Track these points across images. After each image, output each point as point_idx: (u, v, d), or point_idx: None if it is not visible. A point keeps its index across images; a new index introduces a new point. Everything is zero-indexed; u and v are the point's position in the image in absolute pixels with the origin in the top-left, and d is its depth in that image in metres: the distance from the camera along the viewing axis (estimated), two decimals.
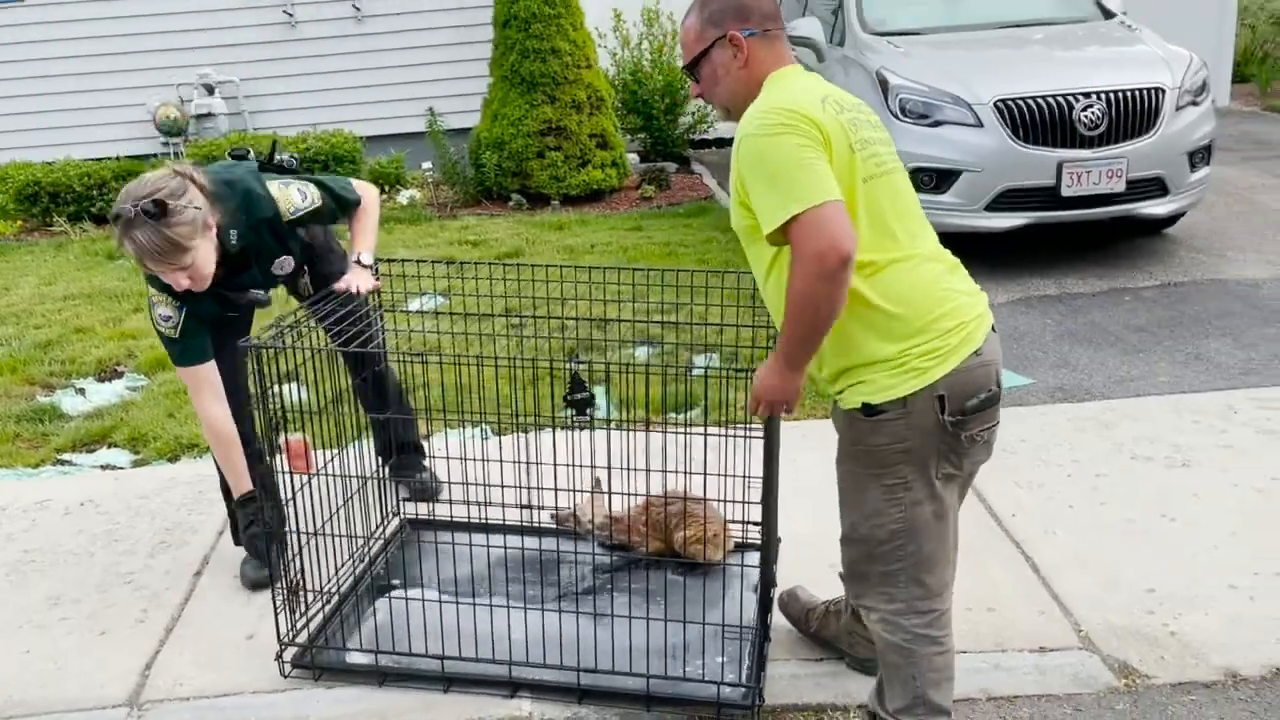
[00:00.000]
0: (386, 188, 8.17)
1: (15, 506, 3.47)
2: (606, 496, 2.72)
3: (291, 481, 2.41)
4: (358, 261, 2.83)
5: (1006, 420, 3.74)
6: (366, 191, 2.93)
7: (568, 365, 2.38)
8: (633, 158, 8.42)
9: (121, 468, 3.84)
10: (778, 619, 2.57)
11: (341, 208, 2.84)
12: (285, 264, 2.80)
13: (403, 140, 8.54)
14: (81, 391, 4.55)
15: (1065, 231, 5.88)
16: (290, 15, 8.51)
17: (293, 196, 2.70)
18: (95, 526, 3.30)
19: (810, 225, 1.74)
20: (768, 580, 2.46)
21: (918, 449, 1.92)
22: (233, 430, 2.71)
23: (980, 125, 5.18)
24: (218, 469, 2.86)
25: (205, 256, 2.46)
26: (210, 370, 2.71)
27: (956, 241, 5.57)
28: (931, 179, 5.28)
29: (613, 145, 7.69)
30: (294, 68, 8.61)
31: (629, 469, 2.62)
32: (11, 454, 3.95)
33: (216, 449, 2.77)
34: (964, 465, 1.98)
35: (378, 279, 2.86)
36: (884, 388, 1.90)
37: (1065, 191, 5.14)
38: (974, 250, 5.72)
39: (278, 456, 2.45)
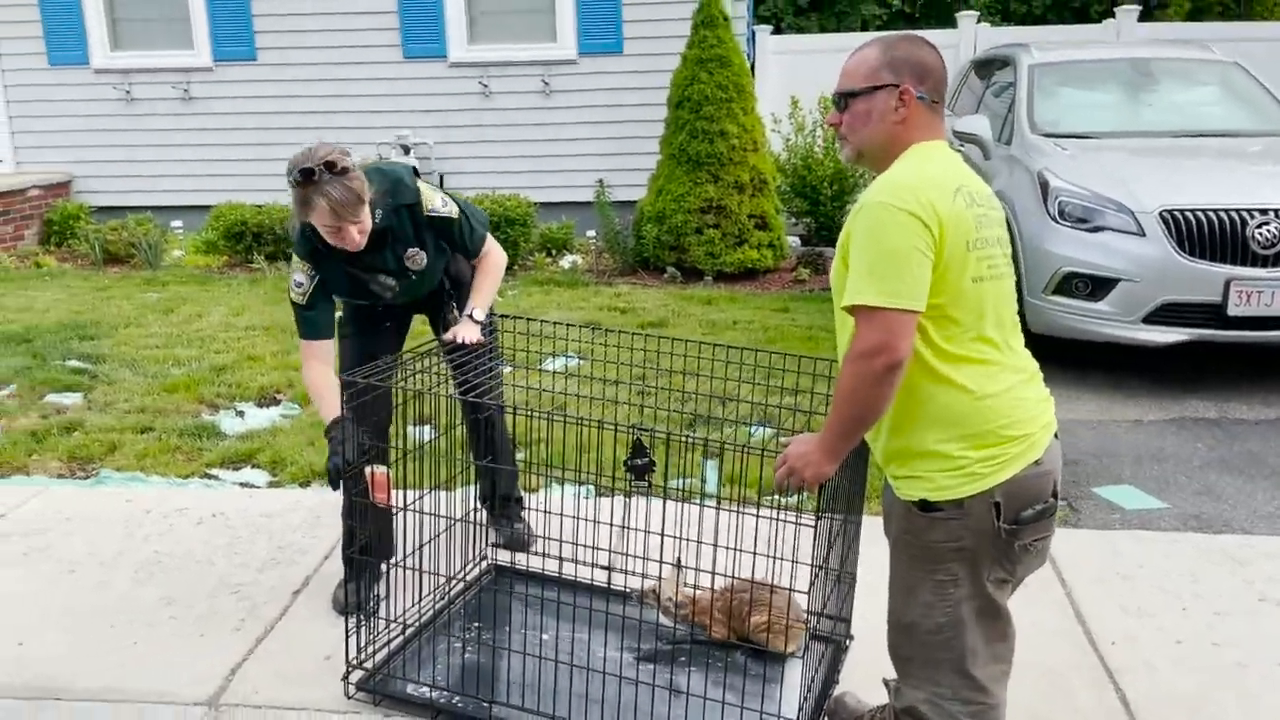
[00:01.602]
0: (553, 252, 8.53)
1: (158, 511, 3.80)
2: (686, 574, 2.71)
3: (375, 512, 2.56)
4: (470, 315, 3.00)
5: (1127, 543, 3.53)
6: (495, 250, 3.13)
7: (631, 431, 2.44)
8: (795, 240, 8.47)
9: (258, 487, 4.14)
10: None
11: (470, 236, 3.04)
12: (418, 258, 2.97)
13: (571, 209, 8.92)
14: (241, 414, 4.95)
15: (1234, 352, 5.51)
16: (485, 86, 9.10)
17: (435, 198, 2.96)
18: (220, 538, 3.58)
19: (878, 321, 1.76)
20: (826, 679, 2.42)
21: (971, 550, 1.89)
22: (329, 382, 2.84)
23: (1143, 234, 4.96)
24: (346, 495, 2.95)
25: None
26: (326, 348, 2.94)
27: (1110, 352, 5.41)
28: (1086, 286, 5.08)
29: (771, 227, 7.78)
30: (482, 134, 9.18)
31: (715, 545, 2.64)
32: (168, 464, 4.34)
33: (312, 395, 2.95)
34: (1016, 571, 1.94)
35: (487, 335, 3.02)
36: (942, 487, 1.89)
37: (1232, 310, 4.83)
38: (1130, 363, 5.46)
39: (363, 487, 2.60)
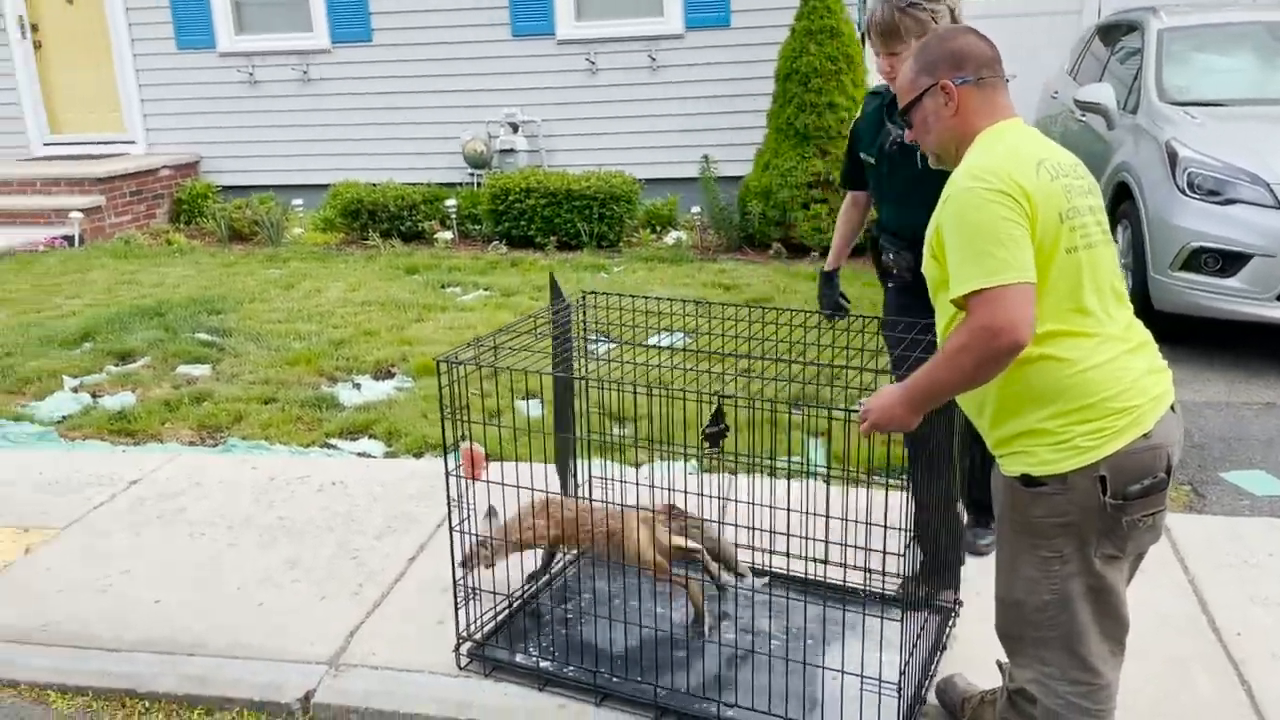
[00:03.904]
0: (658, 228, 8.54)
1: (282, 478, 3.98)
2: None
3: (466, 486, 2.63)
4: None
5: (1259, 530, 3.38)
6: None
7: (712, 398, 2.44)
8: None
9: (374, 457, 4.29)
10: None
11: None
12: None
13: (676, 185, 8.90)
14: (358, 386, 5.13)
15: None
16: (593, 63, 9.13)
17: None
18: (339, 505, 3.73)
19: (993, 302, 1.75)
20: (932, 647, 2.40)
21: (1077, 525, 1.86)
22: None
23: (1278, 207, 4.69)
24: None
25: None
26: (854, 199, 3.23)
27: (1239, 331, 5.15)
28: (1216, 261, 4.84)
29: None
30: (589, 111, 9.22)
31: (808, 514, 2.64)
32: (291, 433, 4.53)
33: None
34: (1126, 548, 1.89)
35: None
36: (1045, 461, 1.86)
37: None
38: (1261, 344, 5.19)
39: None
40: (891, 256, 3.02)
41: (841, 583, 2.72)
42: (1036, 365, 1.84)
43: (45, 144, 10.27)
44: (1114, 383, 1.84)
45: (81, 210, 8.62)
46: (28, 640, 2.91)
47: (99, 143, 10.14)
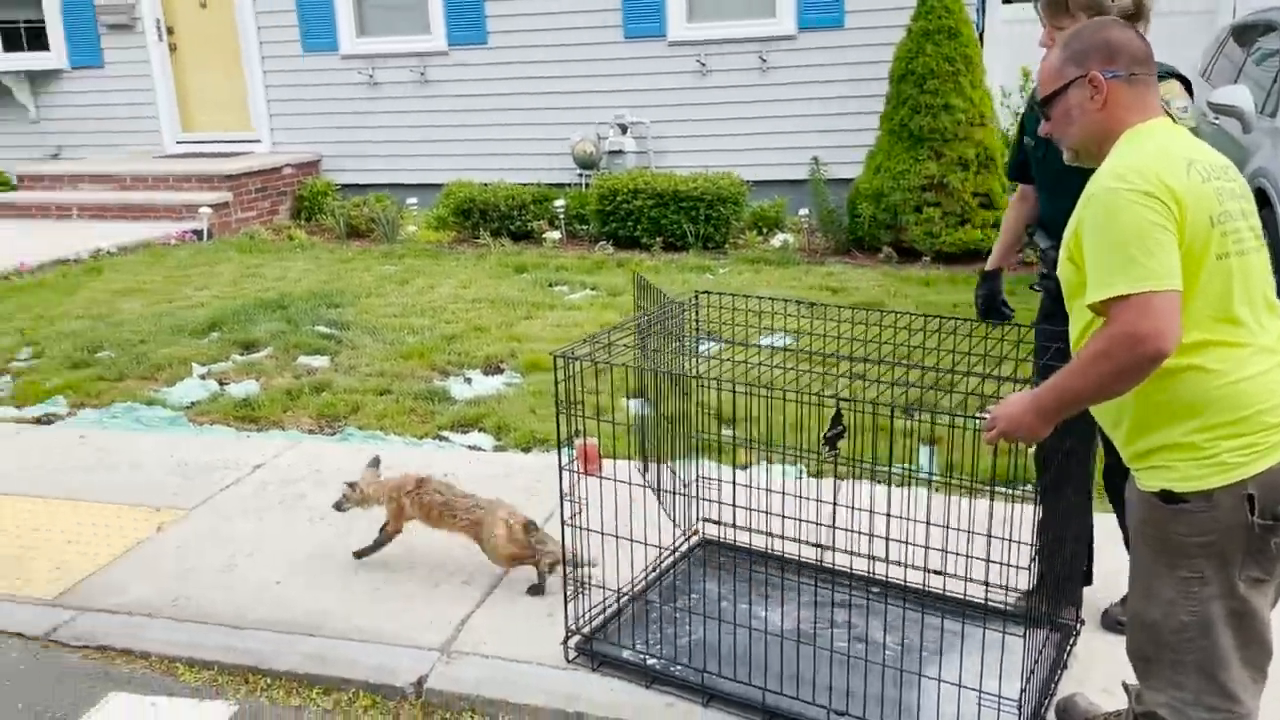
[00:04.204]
0: (764, 230, 8.48)
1: (399, 469, 4.08)
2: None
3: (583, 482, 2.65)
4: None
5: None
6: None
7: (834, 401, 2.40)
8: None
9: (483, 450, 4.38)
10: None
11: None
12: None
13: (784, 186, 8.83)
14: (469, 381, 5.23)
15: None
16: (703, 65, 9.13)
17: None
18: None
19: (1137, 309, 1.67)
20: (1053, 664, 2.32)
21: (1219, 546, 1.77)
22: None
23: None
24: None
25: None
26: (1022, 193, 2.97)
27: None
28: None
29: (997, 206, 7.42)
30: (698, 113, 9.22)
31: (908, 519, 2.58)
32: (406, 424, 4.65)
33: None
34: (1275, 570, 1.78)
35: None
36: (1188, 477, 1.77)
37: None
38: None
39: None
40: (1041, 251, 2.85)
41: (960, 595, 2.65)
42: (1182, 376, 1.76)
43: (178, 142, 10.77)
44: (1268, 395, 1.75)
45: (211, 206, 9.01)
46: (159, 614, 3.06)
47: (227, 141, 10.59)
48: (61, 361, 5.53)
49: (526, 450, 4.34)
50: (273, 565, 3.33)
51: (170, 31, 10.53)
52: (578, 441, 2.68)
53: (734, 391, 2.73)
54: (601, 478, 2.73)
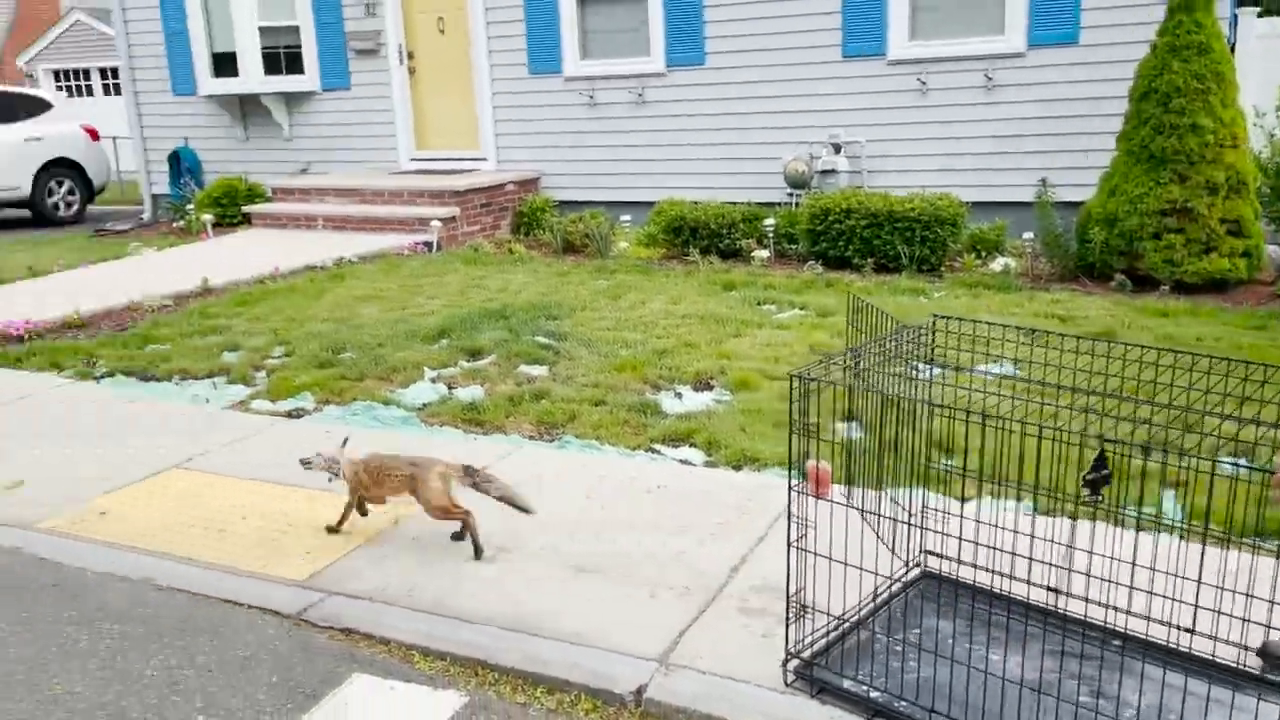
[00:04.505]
0: (983, 254, 8.18)
1: (612, 477, 4.19)
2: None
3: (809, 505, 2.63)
4: None
5: None
6: None
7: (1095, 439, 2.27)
8: (1275, 250, 7.41)
9: (694, 464, 4.42)
10: None
11: None
12: None
13: (1004, 209, 8.49)
14: (679, 396, 5.30)
15: None
16: (923, 83, 8.92)
17: None
18: (665, 508, 3.87)
19: None
20: None
21: None
22: None
23: None
24: None
25: None
26: None
27: None
28: None
29: (1248, 233, 6.86)
30: (915, 132, 9.02)
31: (1154, 569, 2.41)
32: (619, 435, 4.76)
33: None
34: None
35: None
36: None
37: None
38: None
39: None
40: None
41: (1209, 656, 2.46)
42: None
43: (411, 159, 11.50)
44: None
45: (440, 220, 9.56)
46: (396, 602, 3.26)
47: (455, 159, 11.22)
48: (309, 360, 6.00)
49: (737, 468, 4.36)
50: (498, 563, 3.48)
51: (410, 56, 11.27)
52: (809, 463, 2.67)
53: (970, 421, 2.64)
54: (832, 501, 2.70)
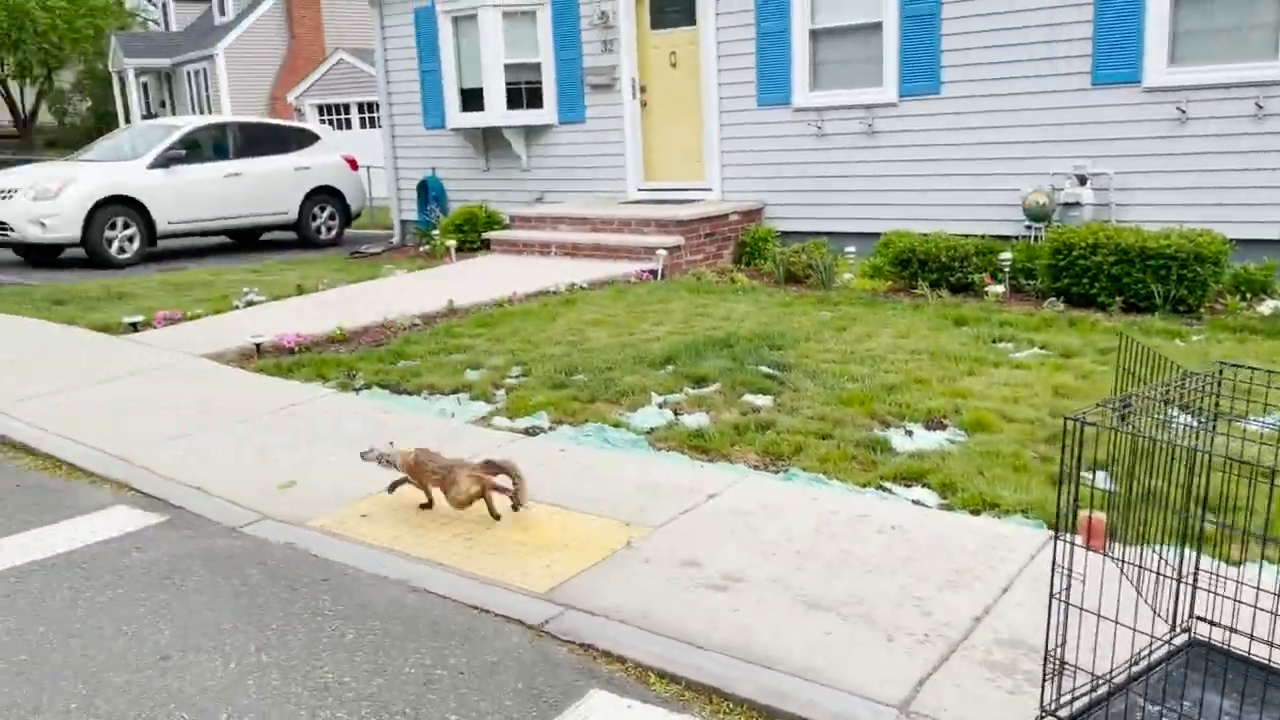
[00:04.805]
0: (1248, 295, 7.53)
1: (843, 513, 4.13)
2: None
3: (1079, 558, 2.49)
4: None
5: None
6: None
7: None
8: None
9: (928, 506, 4.29)
10: None
11: None
12: None
13: (1275, 247, 7.77)
14: (909, 434, 5.17)
15: None
16: (1183, 112, 8.35)
17: None
18: (899, 550, 3.77)
19: None
20: None
21: None
22: None
23: None
24: None
25: None
26: None
27: None
28: None
29: None
30: (1172, 164, 8.44)
31: None
32: (847, 470, 4.69)
33: None
34: None
35: None
36: None
37: None
38: None
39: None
40: None
41: None
42: None
43: (639, 189, 11.83)
44: None
45: (666, 248, 9.78)
46: (632, 622, 3.33)
47: (680, 189, 11.45)
48: (544, 381, 6.26)
49: (975, 513, 4.19)
50: (729, 591, 3.50)
51: (643, 90, 11.62)
52: (1082, 513, 2.54)
53: (1258, 479, 2.43)
54: (1104, 555, 2.55)
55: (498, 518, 4.16)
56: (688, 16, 11.13)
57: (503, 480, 4.17)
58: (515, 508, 4.17)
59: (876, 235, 9.67)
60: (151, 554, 3.97)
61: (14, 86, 42.08)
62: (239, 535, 4.15)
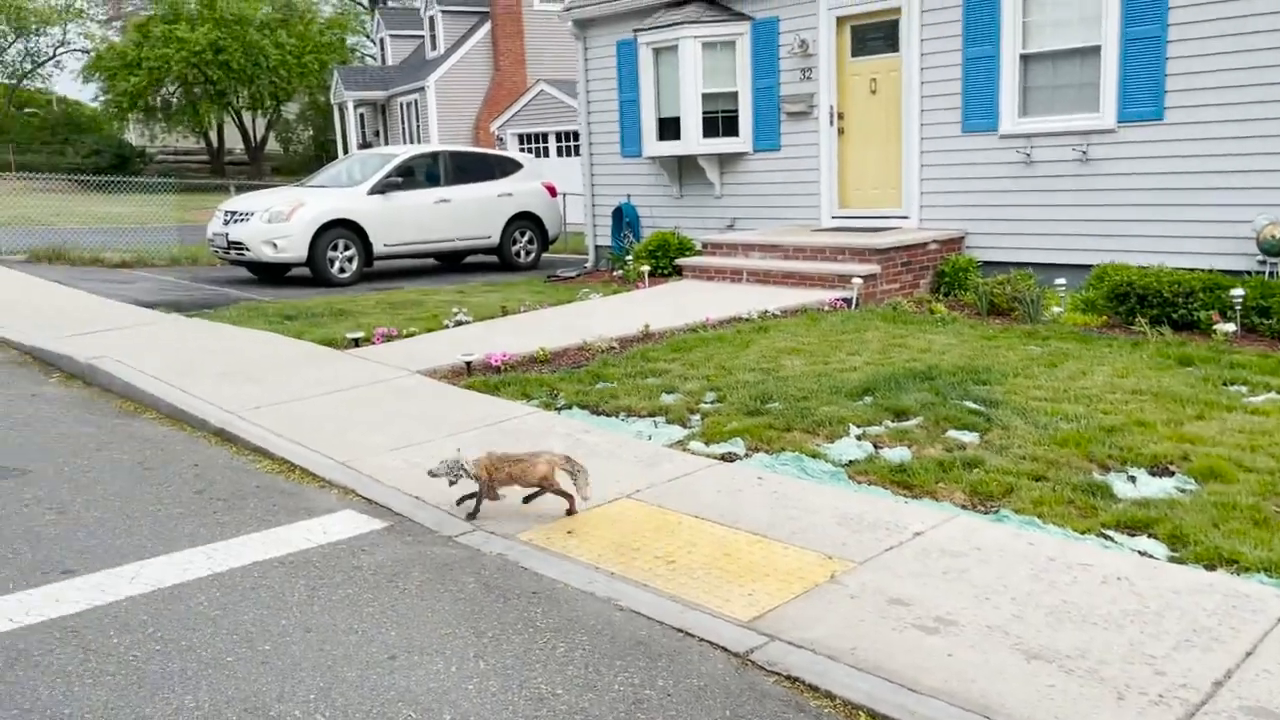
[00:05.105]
0: None
1: (1061, 561, 3.93)
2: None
3: None
4: None
5: None
6: None
7: None
8: None
9: (1156, 558, 4.02)
10: None
11: None
12: None
13: None
14: (1132, 479, 4.87)
15: None
16: None
17: None
18: (1125, 603, 3.55)
19: None
20: None
21: None
22: None
23: None
24: None
25: None
26: None
27: None
28: None
29: None
30: None
31: None
32: (1064, 515, 4.46)
33: None
34: None
35: None
36: None
37: None
38: None
39: None
40: None
41: None
42: None
43: (833, 217, 11.71)
44: None
45: (861, 277, 9.63)
46: (839, 658, 3.28)
47: (875, 217, 11.26)
48: (739, 408, 6.27)
49: (1210, 568, 3.90)
50: (947, 634, 3.39)
51: (840, 117, 11.52)
52: None
53: None
54: None
55: (568, 498, 4.55)
56: (890, 44, 10.97)
57: (563, 475, 4.53)
58: (571, 504, 4.56)
59: (1088, 267, 9.19)
60: (377, 557, 4.22)
61: (247, 117, 46.03)
62: (454, 544, 4.35)
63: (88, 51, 49.66)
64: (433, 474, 4.57)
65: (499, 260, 15.30)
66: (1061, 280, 9.31)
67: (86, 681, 3.26)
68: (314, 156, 43.69)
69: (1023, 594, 3.66)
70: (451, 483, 4.56)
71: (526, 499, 4.64)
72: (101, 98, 46.21)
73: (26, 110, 51.94)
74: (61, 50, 54.69)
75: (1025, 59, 9.86)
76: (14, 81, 52.56)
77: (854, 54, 11.36)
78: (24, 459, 5.65)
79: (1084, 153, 9.47)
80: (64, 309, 10.50)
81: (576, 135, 21.98)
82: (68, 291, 11.92)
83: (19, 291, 11.99)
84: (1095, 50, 9.32)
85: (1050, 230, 9.84)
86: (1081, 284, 9.06)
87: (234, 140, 49.17)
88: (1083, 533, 4.29)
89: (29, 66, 52.65)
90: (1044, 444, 5.36)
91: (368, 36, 48.76)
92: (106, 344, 8.32)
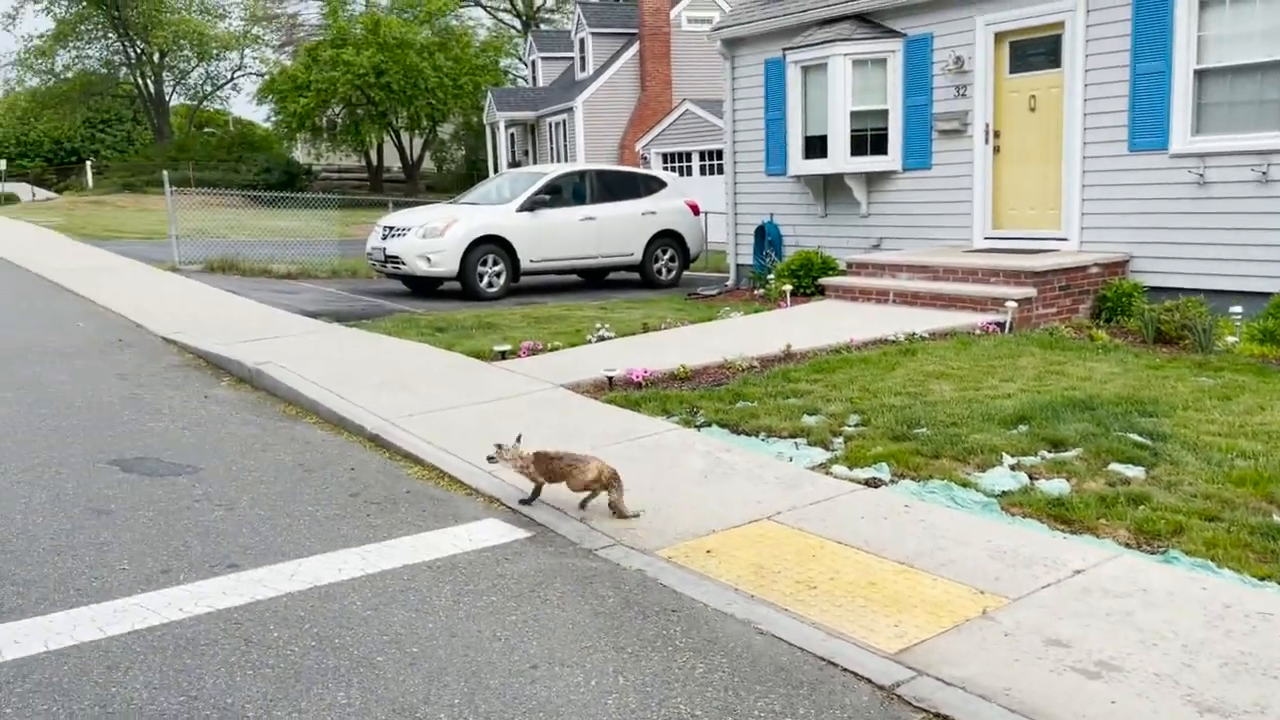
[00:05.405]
0: None
1: (1238, 608, 3.66)
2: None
3: None
4: None
5: None
6: None
7: None
8: None
9: None
10: None
11: None
12: None
13: None
14: None
15: None
16: None
17: None
18: None
19: None
20: None
21: None
22: None
23: None
24: None
25: None
26: None
27: None
28: None
29: None
30: None
31: None
32: (1240, 559, 4.16)
33: None
34: None
35: None
36: None
37: None
38: None
39: None
40: None
41: None
42: None
43: (985, 238, 11.33)
44: None
45: (1015, 300, 9.26)
46: (992, 699, 3.13)
47: (1031, 238, 10.83)
48: (884, 432, 6.11)
49: None
50: (1104, 680, 3.20)
51: (996, 135, 11.15)
52: None
53: None
54: None
55: (612, 504, 4.75)
56: (1051, 60, 10.56)
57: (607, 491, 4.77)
58: (614, 510, 4.77)
59: (1266, 295, 8.60)
60: (521, 566, 4.28)
61: (405, 137, 48.04)
62: (595, 557, 4.38)
63: (262, 75, 52.95)
64: (491, 459, 4.95)
65: (640, 277, 15.42)
66: (1237, 309, 8.72)
67: (248, 673, 3.41)
68: (466, 175, 45.17)
69: (1194, 641, 3.42)
70: (491, 459, 4.94)
71: (582, 504, 4.88)
72: (273, 118, 49.19)
73: (206, 130, 55.81)
74: (239, 74, 58.59)
75: (1200, 74, 9.31)
76: (195, 103, 56.55)
77: (1012, 70, 10.98)
78: (196, 458, 6.00)
79: (1264, 173, 8.87)
80: (234, 317, 11.15)
81: (719, 154, 22.02)
82: (238, 300, 12.66)
83: (195, 299, 12.81)
84: (1278, 65, 8.73)
85: (1224, 255, 9.24)
86: (1259, 313, 8.47)
87: (392, 159, 51.40)
88: (1262, 578, 3.99)
89: (209, 89, 56.58)
90: (1217, 481, 5.02)
91: (520, 59, 50.23)
92: (272, 350, 8.78)
